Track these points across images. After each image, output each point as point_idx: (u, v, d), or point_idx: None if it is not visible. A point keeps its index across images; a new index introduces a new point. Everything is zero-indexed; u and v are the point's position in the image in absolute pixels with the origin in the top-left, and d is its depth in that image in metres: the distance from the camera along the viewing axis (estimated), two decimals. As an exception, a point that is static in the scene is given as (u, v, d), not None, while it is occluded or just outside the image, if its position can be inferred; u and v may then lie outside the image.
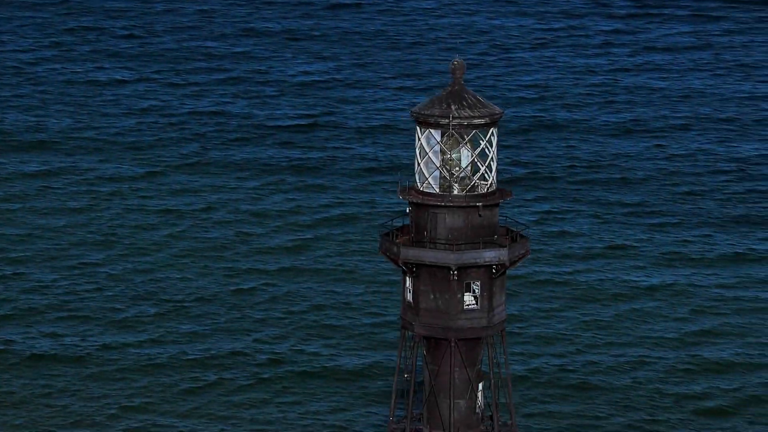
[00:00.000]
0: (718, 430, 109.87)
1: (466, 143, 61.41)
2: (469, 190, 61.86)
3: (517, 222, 63.32)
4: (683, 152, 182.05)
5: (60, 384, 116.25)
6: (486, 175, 62.03)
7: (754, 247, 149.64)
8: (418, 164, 62.60)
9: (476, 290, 61.74)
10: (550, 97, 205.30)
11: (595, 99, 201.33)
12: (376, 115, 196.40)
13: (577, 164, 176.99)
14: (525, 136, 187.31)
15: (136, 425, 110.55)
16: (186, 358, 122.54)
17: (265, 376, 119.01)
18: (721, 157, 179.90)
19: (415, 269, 61.95)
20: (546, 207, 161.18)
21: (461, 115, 60.90)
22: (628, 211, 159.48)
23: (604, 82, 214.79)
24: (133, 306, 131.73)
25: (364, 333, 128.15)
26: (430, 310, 62.21)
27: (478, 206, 61.25)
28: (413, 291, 62.60)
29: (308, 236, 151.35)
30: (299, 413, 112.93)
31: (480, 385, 63.14)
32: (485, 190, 62.01)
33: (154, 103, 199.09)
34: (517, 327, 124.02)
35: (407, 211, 63.30)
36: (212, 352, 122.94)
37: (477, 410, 63.05)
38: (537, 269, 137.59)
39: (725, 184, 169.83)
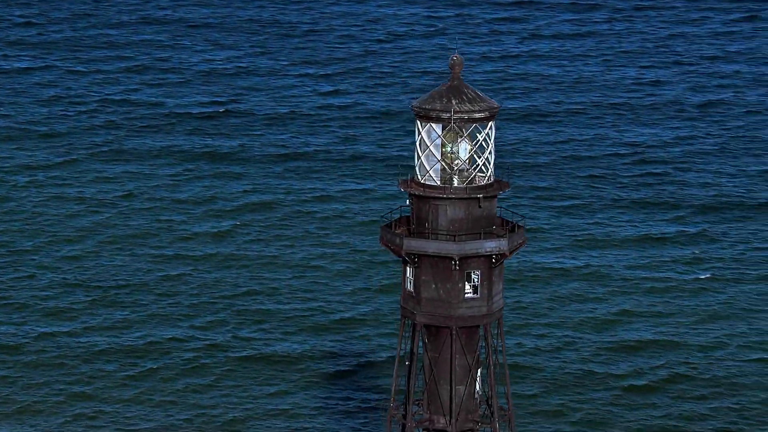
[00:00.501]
0: (645, 406, 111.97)
1: (466, 137, 61.60)
2: (467, 183, 62.14)
3: (512, 212, 63.66)
4: (580, 137, 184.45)
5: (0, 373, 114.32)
6: (485, 167, 62.36)
7: (657, 228, 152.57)
8: (419, 157, 62.66)
9: (476, 279, 62.09)
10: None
11: (492, 86, 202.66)
12: (282, 102, 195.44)
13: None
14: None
15: (80, 412, 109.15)
16: (124, 345, 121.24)
17: (204, 361, 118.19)
18: (617, 142, 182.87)
19: (417, 259, 62.02)
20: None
21: (462, 110, 61.20)
22: (536, 195, 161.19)
23: (497, 69, 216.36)
24: (66, 294, 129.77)
25: (295, 317, 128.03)
26: (431, 300, 62.41)
27: (479, 198, 61.46)
28: (414, 281, 62.68)
29: (229, 223, 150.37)
30: (241, 397, 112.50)
31: (478, 371, 63.58)
32: (484, 181, 62.27)
33: (61, 91, 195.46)
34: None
35: (407, 202, 63.41)
36: (149, 339, 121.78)
37: (475, 395, 63.48)
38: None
39: (624, 167, 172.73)
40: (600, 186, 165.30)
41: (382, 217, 65.13)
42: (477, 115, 61.39)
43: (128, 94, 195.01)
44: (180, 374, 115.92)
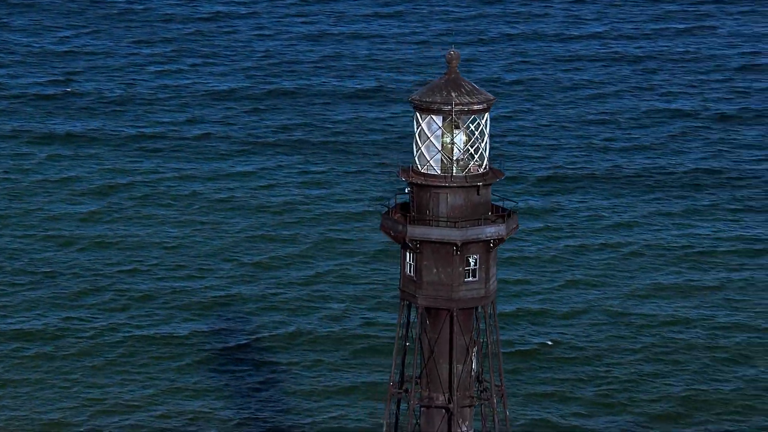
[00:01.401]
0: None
1: (465, 127, 62.75)
2: (460, 170, 63.36)
3: (504, 199, 65.15)
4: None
5: None
6: (482, 156, 63.67)
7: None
8: (418, 148, 63.45)
9: (475, 263, 63.39)
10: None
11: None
12: (121, 82, 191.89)
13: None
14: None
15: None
16: (13, 329, 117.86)
17: (101, 341, 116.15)
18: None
19: (419, 245, 62.91)
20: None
21: (462, 102, 62.26)
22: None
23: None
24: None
25: (174, 296, 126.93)
26: (432, 283, 63.36)
27: (478, 186, 62.74)
28: (416, 266, 63.52)
29: (94, 205, 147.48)
30: (148, 375, 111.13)
31: (474, 351, 64.87)
32: (480, 170, 63.56)
33: None
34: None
35: (406, 191, 64.23)
36: (43, 321, 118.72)
37: (472, 374, 64.80)
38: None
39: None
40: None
41: (381, 204, 65.32)
42: (476, 107, 62.64)
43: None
44: (77, 355, 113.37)
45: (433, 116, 63.03)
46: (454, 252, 62.82)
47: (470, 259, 63.59)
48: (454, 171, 63.30)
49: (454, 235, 62.53)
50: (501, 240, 63.53)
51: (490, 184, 64.17)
